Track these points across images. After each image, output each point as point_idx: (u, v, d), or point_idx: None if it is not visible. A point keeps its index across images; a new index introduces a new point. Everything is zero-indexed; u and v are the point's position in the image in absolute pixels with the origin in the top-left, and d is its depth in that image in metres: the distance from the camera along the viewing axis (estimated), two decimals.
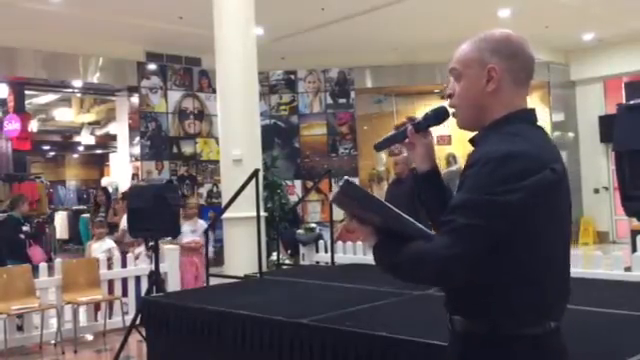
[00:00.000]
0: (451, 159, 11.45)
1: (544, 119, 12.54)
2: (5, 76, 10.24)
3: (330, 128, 12.02)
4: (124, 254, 6.94)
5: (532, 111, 1.62)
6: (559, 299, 1.55)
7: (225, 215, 6.49)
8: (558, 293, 1.54)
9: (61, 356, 5.82)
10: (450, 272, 1.45)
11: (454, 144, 12.17)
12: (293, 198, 10.61)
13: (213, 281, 5.90)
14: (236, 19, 6.75)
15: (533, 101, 12.63)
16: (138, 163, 10.96)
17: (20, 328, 6.19)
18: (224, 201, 6.58)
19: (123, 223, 7.69)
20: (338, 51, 11.18)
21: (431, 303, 3.12)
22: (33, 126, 12.81)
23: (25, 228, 7.11)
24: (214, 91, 7.81)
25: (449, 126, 13.96)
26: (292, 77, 12.06)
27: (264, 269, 5.95)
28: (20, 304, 5.81)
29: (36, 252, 7.09)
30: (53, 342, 6.08)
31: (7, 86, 10.84)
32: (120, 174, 11.90)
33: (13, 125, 10.90)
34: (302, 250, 7.52)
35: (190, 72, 11.47)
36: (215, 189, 11.08)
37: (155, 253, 5.74)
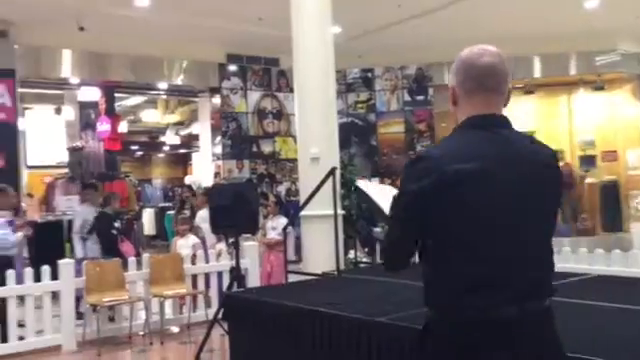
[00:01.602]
0: None
1: (634, 113, 11.90)
2: (98, 80, 10.82)
3: (408, 125, 11.92)
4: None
5: (479, 116, 1.79)
6: (480, 288, 1.68)
7: (303, 213, 6.57)
8: (476, 283, 1.69)
9: (149, 346, 6.09)
10: (388, 256, 1.87)
11: None
12: None
13: (291, 278, 5.99)
14: (313, 19, 6.82)
15: (623, 94, 12.01)
16: (220, 162, 11.29)
17: (112, 319, 6.54)
18: (302, 199, 6.67)
19: (197, 220, 7.95)
20: (415, 47, 11.05)
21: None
22: (123, 127, 13.44)
23: (117, 224, 7.48)
24: (292, 90, 7.95)
25: (533, 122, 13.28)
26: (369, 75, 12.04)
27: (341, 267, 5.99)
28: (111, 296, 6.14)
29: (127, 247, 7.43)
30: (142, 333, 6.38)
31: (99, 90, 11.45)
32: (202, 173, 12.30)
33: (104, 126, 11.50)
34: (379, 248, 7.51)
35: (269, 72, 11.70)
36: (293, 187, 11.24)
37: (236, 249, 5.90)
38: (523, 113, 11.93)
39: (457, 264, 1.71)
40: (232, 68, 11.35)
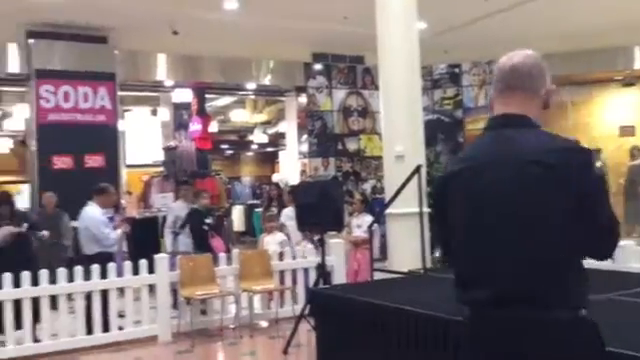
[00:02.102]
0: (635, 152, 10.46)
1: None
2: (190, 82, 11.27)
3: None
4: None
5: (493, 117, 1.88)
6: (468, 286, 1.74)
7: (388, 211, 6.55)
8: (465, 280, 1.76)
9: (239, 339, 6.28)
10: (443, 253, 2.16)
11: (639, 135, 11.09)
12: None
13: (377, 276, 5.99)
14: (398, 15, 6.77)
15: None
16: (306, 160, 11.45)
17: (203, 312, 6.79)
18: (387, 197, 6.65)
19: (283, 217, 8.08)
20: (503, 41, 10.61)
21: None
22: (213, 127, 13.91)
23: (208, 220, 7.74)
24: (377, 88, 7.93)
25: (633, 116, 12.69)
26: (456, 70, 11.80)
27: (428, 265, 5.92)
28: (203, 290, 6.38)
29: (217, 243, 7.68)
30: (232, 326, 6.59)
31: (192, 91, 11.91)
32: (289, 171, 12.50)
33: (196, 126, 11.95)
34: None
35: (354, 70, 11.72)
36: (379, 185, 11.21)
37: (321, 246, 5.97)
38: (622, 106, 11.29)
39: (453, 261, 1.86)
40: (317, 67, 11.47)
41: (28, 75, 9.24)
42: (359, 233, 7.53)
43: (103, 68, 9.51)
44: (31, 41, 9.12)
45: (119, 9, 8.57)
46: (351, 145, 11.65)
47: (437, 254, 7.14)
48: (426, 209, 6.25)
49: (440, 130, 11.66)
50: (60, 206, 8.06)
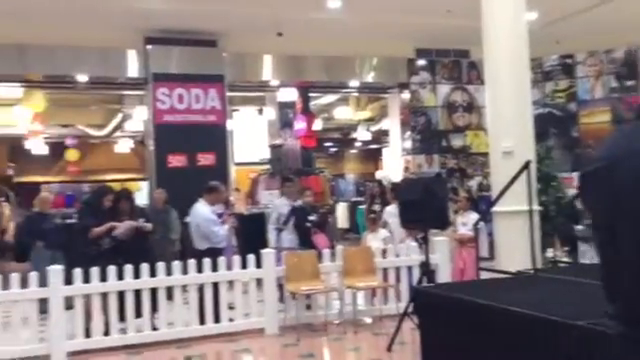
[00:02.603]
0: None
1: None
2: (294, 81, 11.51)
3: (615, 114, 10.85)
4: None
5: None
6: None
7: (495, 209, 6.35)
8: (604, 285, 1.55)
9: (343, 335, 6.35)
10: None
11: None
12: (571, 191, 9.86)
13: (484, 275, 5.84)
14: (506, 5, 6.54)
15: None
16: (409, 157, 11.34)
17: (308, 307, 6.93)
18: (494, 194, 6.45)
19: (386, 215, 8.04)
20: (623, 28, 10.02)
21: None
22: (317, 125, 14.11)
23: (311, 217, 7.87)
24: (483, 82, 7.70)
25: None
26: (569, 61, 11.21)
27: (538, 266, 5.68)
28: (308, 285, 6.51)
29: (320, 239, 7.79)
30: (336, 322, 6.67)
31: (296, 90, 12.16)
32: (392, 168, 12.44)
33: (301, 125, 12.19)
34: (581, 247, 6.98)
35: (459, 65, 11.45)
36: (485, 182, 10.89)
37: (425, 244, 5.90)
38: None
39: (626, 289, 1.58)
40: (421, 62, 11.32)
41: (146, 79, 9.83)
42: (464, 231, 7.37)
43: (213, 70, 9.94)
44: (149, 47, 9.70)
45: (228, 14, 8.92)
46: (456, 141, 11.39)
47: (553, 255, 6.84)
48: (536, 207, 6.01)
49: (552, 124, 11.12)
50: (174, 202, 8.52)
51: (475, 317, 3.49)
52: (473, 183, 11.27)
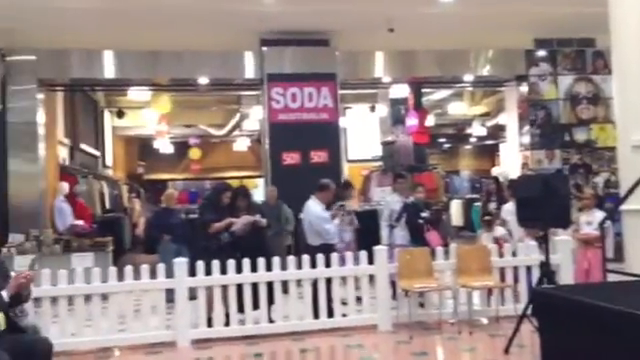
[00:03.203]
0: None
1: None
2: (406, 77, 11.42)
3: None
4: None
5: None
6: None
7: (624, 207, 5.93)
8: None
9: (457, 335, 6.22)
10: None
11: None
12: None
13: (611, 278, 5.47)
14: None
15: None
16: (527, 152, 10.87)
17: (421, 305, 6.86)
18: (622, 191, 6.02)
19: (503, 213, 7.75)
20: None
21: None
22: (430, 121, 13.92)
23: (424, 214, 7.76)
24: (610, 72, 7.20)
25: None
26: None
27: None
28: (421, 283, 6.44)
29: (433, 236, 7.65)
30: (451, 321, 6.55)
31: (407, 86, 12.06)
32: (510, 164, 12.00)
33: (413, 121, 12.07)
34: None
35: (582, 54, 10.81)
36: (613, 178, 10.19)
37: (545, 244, 5.64)
38: None
39: None
40: (541, 53, 10.80)
41: (261, 79, 10.17)
42: (588, 230, 6.95)
43: (325, 69, 10.09)
44: (264, 49, 10.03)
45: (339, 13, 9.01)
46: (580, 135, 10.76)
47: None
48: None
49: None
50: (288, 199, 8.75)
51: (600, 321, 3.29)
52: (599, 180, 10.60)
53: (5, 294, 4.17)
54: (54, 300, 5.95)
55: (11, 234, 8.52)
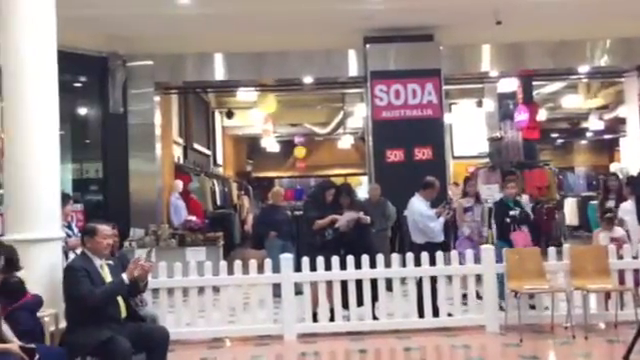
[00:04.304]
0: None
1: None
2: (515, 70, 10.99)
3: None
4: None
5: None
6: None
7: None
8: None
9: (571, 340, 5.91)
10: None
11: None
12: None
13: None
14: None
15: None
16: None
17: (532, 307, 6.58)
18: None
19: (621, 212, 7.28)
20: None
21: None
22: (541, 115, 13.33)
23: (513, 212, 7.26)
24: None
25: None
26: None
27: None
28: (531, 284, 6.18)
29: (518, 237, 7.13)
30: (565, 325, 6.23)
31: (517, 80, 11.60)
32: (631, 160, 11.24)
33: (522, 116, 11.61)
34: None
35: None
36: None
37: None
38: None
39: None
40: None
41: (365, 77, 10.20)
42: None
43: (430, 65, 9.94)
44: (368, 46, 10.05)
45: (444, 7, 8.85)
46: None
47: None
48: None
49: None
50: (391, 196, 8.72)
51: None
52: None
53: (125, 277, 4.47)
54: (170, 291, 6.29)
55: (132, 229, 9.11)
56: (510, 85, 11.85)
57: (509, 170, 10.22)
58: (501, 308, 6.44)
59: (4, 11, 5.08)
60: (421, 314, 6.44)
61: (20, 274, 4.52)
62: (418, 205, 6.87)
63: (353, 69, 10.41)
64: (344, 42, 10.07)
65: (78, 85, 10.02)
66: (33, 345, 3.84)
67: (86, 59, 9.30)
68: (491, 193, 9.23)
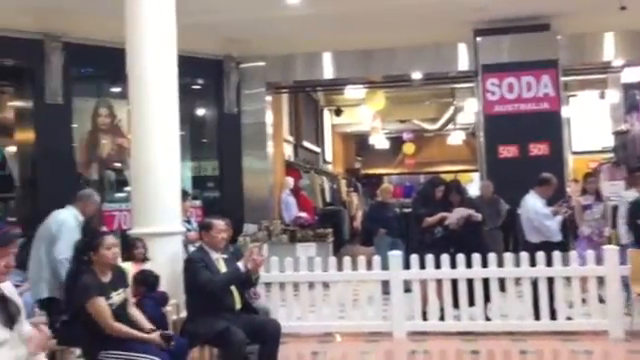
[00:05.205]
0: None
1: None
2: None
3: None
4: None
5: None
6: None
7: None
8: None
9: None
10: None
11: None
12: None
13: None
14: None
15: None
16: None
17: None
18: None
19: None
20: None
21: None
22: None
23: None
24: None
25: None
26: None
27: None
28: None
29: None
30: None
31: None
32: None
33: None
34: None
35: None
36: None
37: None
38: None
39: None
40: None
41: (476, 71, 9.91)
42: None
43: (546, 55, 9.48)
44: (478, 39, 9.76)
45: None
46: None
47: None
48: None
49: None
50: (504, 193, 8.42)
51: None
52: None
53: (241, 265, 4.68)
54: (282, 285, 6.47)
55: (246, 224, 9.47)
56: (636, 75, 11.02)
57: (636, 166, 9.51)
58: (626, 313, 6.04)
59: (130, 22, 5.47)
60: (537, 316, 6.18)
61: (146, 266, 4.89)
62: (533, 202, 6.58)
63: (463, 63, 10.16)
64: (453, 35, 9.84)
65: (196, 87, 10.55)
66: (171, 332, 4.18)
67: (203, 62, 9.77)
68: (616, 190, 8.65)
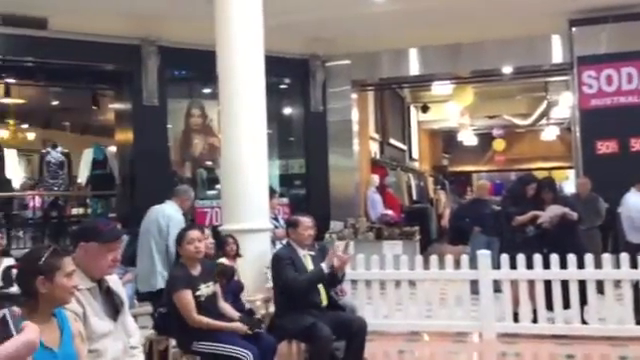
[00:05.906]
0: None
1: None
2: None
3: None
4: None
5: None
6: None
7: None
8: None
9: None
10: None
11: None
12: None
13: None
14: None
15: None
16: None
17: None
18: None
19: None
20: None
21: None
22: None
23: None
24: None
25: None
26: None
27: None
28: None
29: None
30: None
31: None
32: None
33: None
34: None
35: None
36: None
37: None
38: None
39: None
40: None
41: (571, 63, 9.47)
42: None
43: (633, 47, 8.92)
44: (574, 30, 9.31)
45: None
46: None
47: None
48: None
49: None
50: (602, 191, 7.98)
51: None
52: None
53: (324, 266, 4.68)
54: (368, 283, 6.46)
55: (332, 222, 9.53)
56: None
57: None
58: None
59: (219, 25, 5.66)
60: (638, 321, 5.82)
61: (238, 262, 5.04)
62: (635, 201, 6.22)
63: (557, 55, 9.73)
64: (546, 27, 9.44)
65: (283, 87, 10.75)
66: (258, 317, 4.36)
67: (289, 62, 9.92)
68: None
